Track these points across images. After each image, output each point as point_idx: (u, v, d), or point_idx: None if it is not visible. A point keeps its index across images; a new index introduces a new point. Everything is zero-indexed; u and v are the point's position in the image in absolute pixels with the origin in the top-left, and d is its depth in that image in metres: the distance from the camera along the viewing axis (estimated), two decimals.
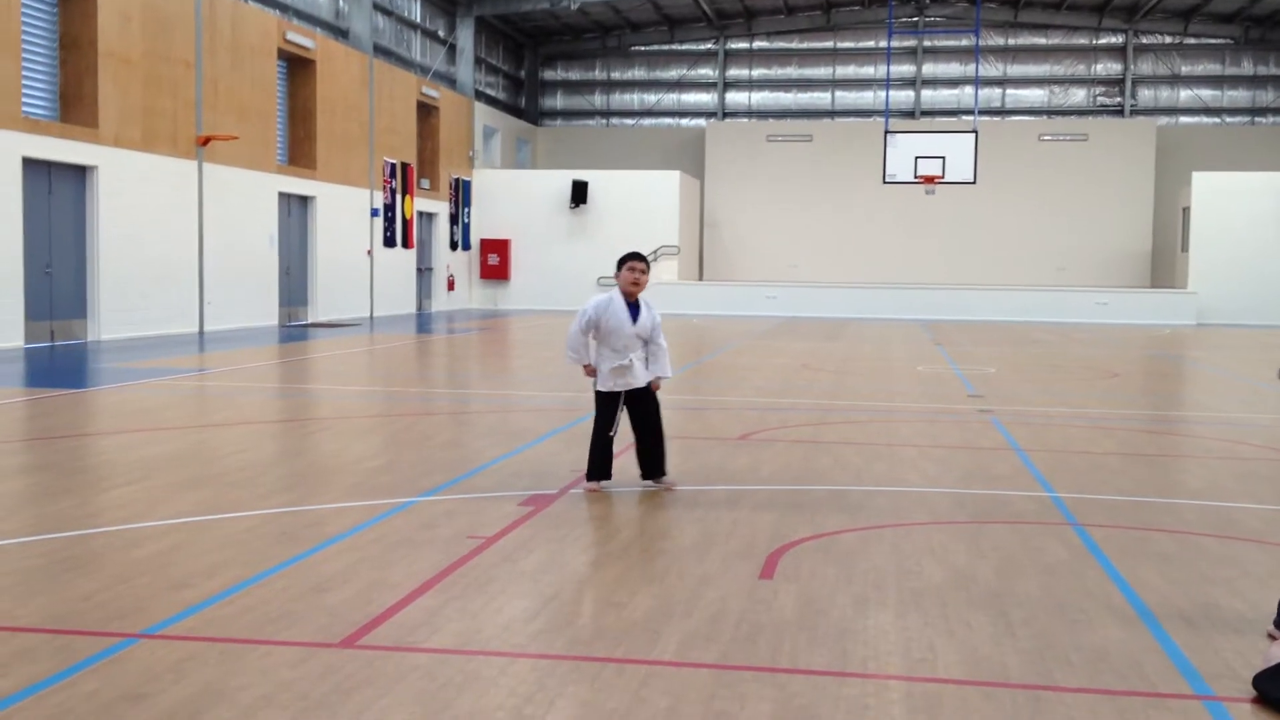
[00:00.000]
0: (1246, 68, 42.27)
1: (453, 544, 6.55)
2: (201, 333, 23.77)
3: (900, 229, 41.98)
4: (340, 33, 31.27)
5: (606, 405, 8.16)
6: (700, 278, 42.76)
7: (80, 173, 21.04)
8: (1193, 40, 42.42)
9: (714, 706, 4.25)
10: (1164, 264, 41.12)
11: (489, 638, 4.97)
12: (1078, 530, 7.20)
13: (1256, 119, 42.36)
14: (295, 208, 28.39)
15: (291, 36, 27.33)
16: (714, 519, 7.38)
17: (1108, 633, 5.19)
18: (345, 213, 30.30)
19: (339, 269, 30.06)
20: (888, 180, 31.52)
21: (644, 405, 8.21)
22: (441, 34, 38.10)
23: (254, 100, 25.92)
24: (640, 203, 38.54)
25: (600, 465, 8.18)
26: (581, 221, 38.83)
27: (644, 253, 8.63)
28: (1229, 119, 42.58)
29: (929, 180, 30.90)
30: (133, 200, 22.02)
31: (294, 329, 26.11)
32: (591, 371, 8.22)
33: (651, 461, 8.27)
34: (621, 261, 8.22)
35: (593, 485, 8.16)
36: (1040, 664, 4.78)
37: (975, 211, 41.24)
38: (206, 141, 23.91)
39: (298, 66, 28.44)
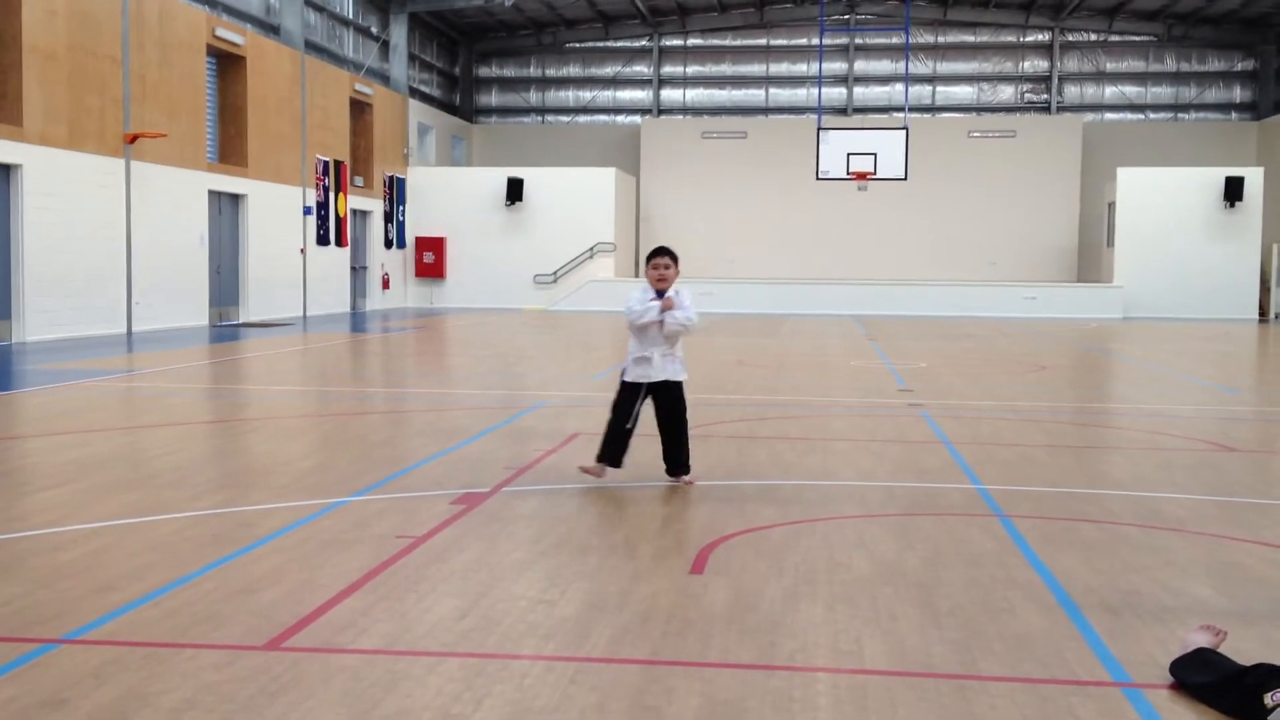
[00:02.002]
0: (1169, 64, 43.06)
1: (383, 544, 6.52)
2: (130, 333, 23.40)
3: (834, 225, 42.30)
4: (271, 29, 30.92)
5: (629, 396, 8.27)
6: (636, 275, 42.78)
7: (4, 171, 20.63)
8: (1117, 37, 43.14)
9: (642, 701, 4.27)
10: (1090, 259, 41.78)
11: (417, 637, 4.95)
12: (1004, 521, 7.31)
13: (1179, 115, 43.16)
14: (226, 206, 28.04)
15: (221, 33, 26.98)
16: (647, 515, 7.40)
17: (1031, 621, 5.28)
18: (277, 211, 29.97)
19: (271, 268, 29.73)
20: (821, 177, 31.72)
21: (667, 402, 8.29)
22: (374, 31, 37.81)
23: (183, 97, 25.56)
24: (576, 200, 38.51)
25: (614, 451, 8.24)
26: (517, 219, 38.72)
27: (668, 247, 8.60)
28: (1153, 115, 43.34)
29: (861, 177, 31.15)
30: (59, 199, 21.63)
31: (225, 329, 25.81)
32: (670, 304, 8.21)
33: (673, 459, 8.35)
34: (649, 257, 8.41)
35: (595, 468, 8.25)
36: (965, 654, 4.85)
37: (906, 208, 41.63)
38: (134, 139, 23.54)
39: (228, 63, 28.09)
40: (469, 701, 4.25)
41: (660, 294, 8.28)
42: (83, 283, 22.37)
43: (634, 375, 8.29)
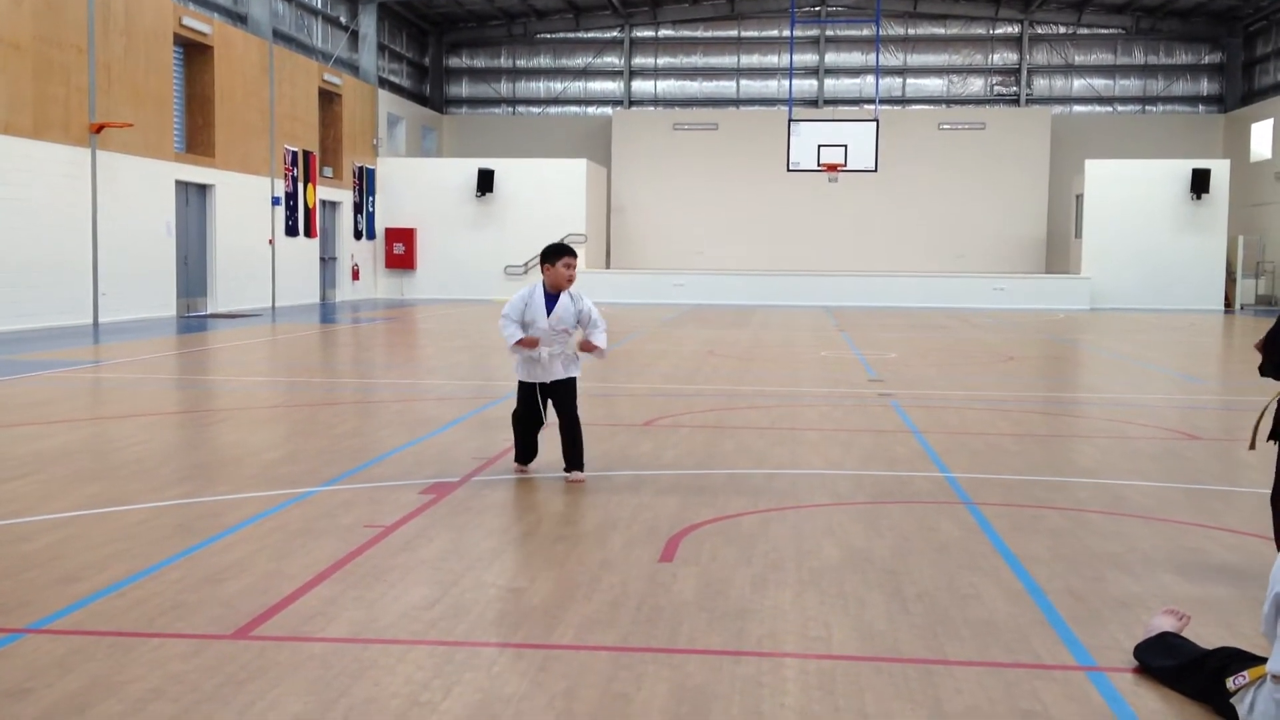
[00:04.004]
0: (1137, 57, 43.34)
1: (352, 533, 6.50)
2: (96, 324, 23.21)
3: (805, 217, 42.38)
4: (238, 18, 30.69)
5: (525, 394, 8.26)
6: (608, 266, 42.78)
7: None
8: (1085, 30, 43.38)
9: (612, 688, 4.28)
10: (1058, 250, 42.03)
11: (386, 626, 4.94)
12: (971, 509, 7.35)
13: (1147, 107, 43.45)
14: (194, 196, 27.83)
15: (188, 21, 26.76)
16: (616, 504, 7.40)
17: (997, 607, 5.32)
18: (246, 201, 29.77)
19: (239, 258, 29.53)
20: (792, 168, 31.77)
21: (560, 399, 8.14)
22: (343, 20, 37.58)
23: (150, 86, 25.34)
24: (547, 191, 38.43)
25: (524, 449, 8.35)
26: (488, 210, 38.62)
27: (570, 245, 8.39)
28: (1120, 108, 43.62)
29: (832, 168, 31.21)
30: (24, 189, 21.41)
31: (193, 319, 25.63)
32: (533, 342, 8.03)
33: (568, 453, 8.15)
34: (555, 255, 8.03)
35: (519, 466, 8.39)
36: (931, 639, 4.88)
37: (877, 199, 41.76)
38: (100, 129, 23.33)
39: (195, 52, 27.87)
40: (438, 689, 4.24)
41: (551, 295, 8.05)
42: (49, 273, 22.16)
43: (524, 376, 8.21)
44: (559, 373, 8.15)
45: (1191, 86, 43.27)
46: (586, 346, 8.09)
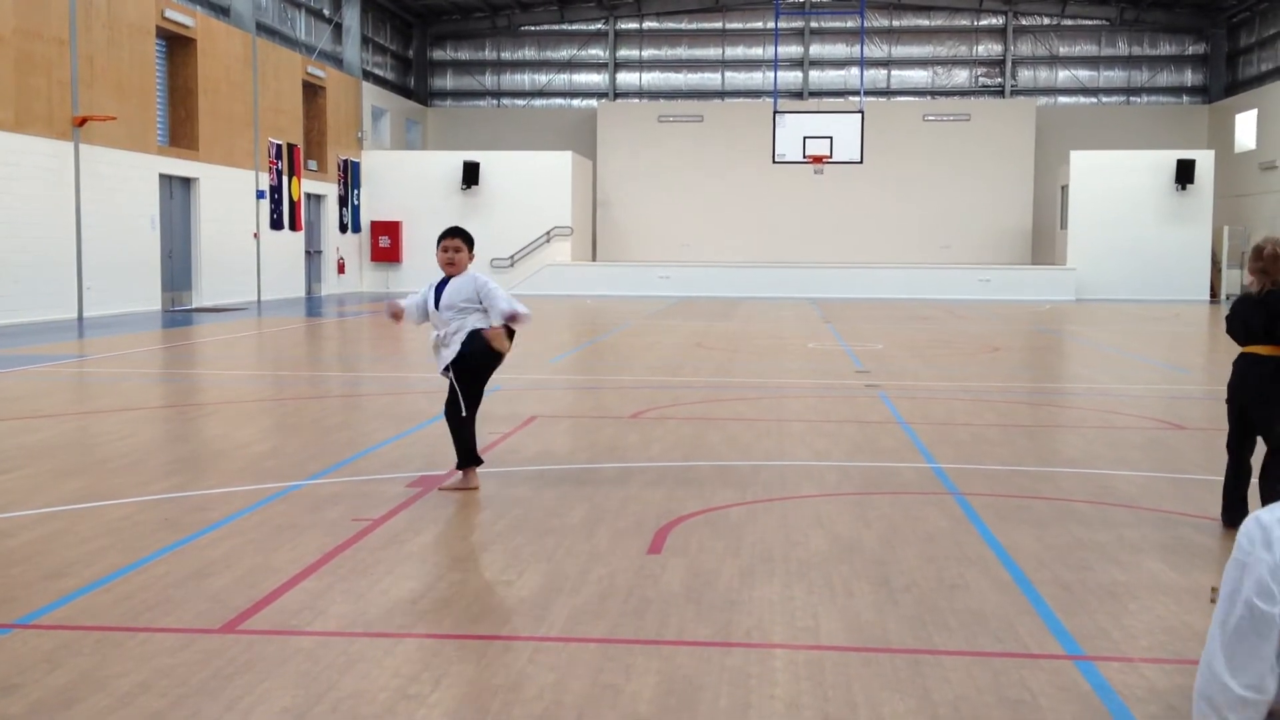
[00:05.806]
0: (1122, 48, 43.42)
1: (339, 527, 6.49)
2: (81, 318, 23.11)
3: (790, 209, 42.38)
4: (221, 10, 30.53)
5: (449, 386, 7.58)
6: (594, 258, 42.74)
7: None
8: (1070, 22, 43.44)
9: (600, 679, 4.28)
10: (1044, 241, 42.12)
11: (374, 619, 4.93)
12: (958, 499, 7.37)
13: (1131, 98, 43.54)
14: (177, 190, 27.71)
15: (170, 14, 26.63)
16: (604, 496, 7.40)
17: (985, 597, 5.33)
18: (230, 195, 29.65)
19: (224, 252, 29.42)
20: (777, 160, 31.79)
21: (457, 380, 7.56)
22: (326, 13, 37.42)
23: (132, 79, 25.21)
24: (532, 183, 38.38)
25: (470, 450, 7.55)
26: (474, 203, 38.53)
27: (462, 228, 7.81)
28: (1105, 99, 43.70)
29: (817, 160, 31.24)
30: (6, 183, 21.29)
31: (178, 314, 25.54)
32: (395, 310, 7.75)
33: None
34: (439, 239, 7.66)
35: (467, 476, 7.55)
36: (919, 629, 4.89)
37: (862, 191, 41.77)
38: (83, 122, 23.21)
39: (178, 45, 27.73)
40: (426, 682, 4.24)
41: (446, 280, 7.55)
42: (32, 267, 22.05)
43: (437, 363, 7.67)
44: (449, 355, 7.55)
45: (1176, 77, 43.37)
46: (491, 334, 7.38)
